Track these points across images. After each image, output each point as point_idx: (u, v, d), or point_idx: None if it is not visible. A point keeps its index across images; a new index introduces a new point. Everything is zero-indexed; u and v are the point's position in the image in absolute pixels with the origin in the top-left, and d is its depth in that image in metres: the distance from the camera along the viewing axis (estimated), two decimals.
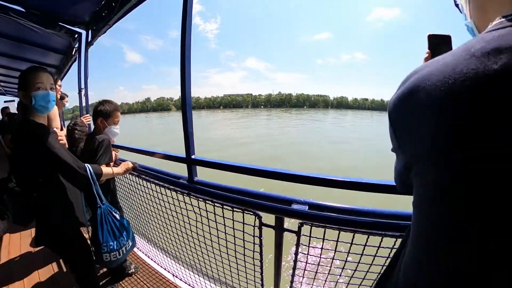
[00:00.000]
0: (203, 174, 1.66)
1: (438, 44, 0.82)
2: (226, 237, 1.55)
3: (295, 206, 1.25)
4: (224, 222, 1.51)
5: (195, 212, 1.65)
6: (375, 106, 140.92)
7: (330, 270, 1.34)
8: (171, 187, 1.78)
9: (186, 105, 1.59)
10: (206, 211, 1.58)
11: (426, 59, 0.74)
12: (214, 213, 1.54)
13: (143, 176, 2.01)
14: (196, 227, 1.74)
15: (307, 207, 1.24)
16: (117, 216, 1.77)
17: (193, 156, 1.68)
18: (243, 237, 1.46)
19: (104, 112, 2.02)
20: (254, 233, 1.40)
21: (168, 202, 1.85)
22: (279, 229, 1.35)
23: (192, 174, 1.69)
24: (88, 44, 3.23)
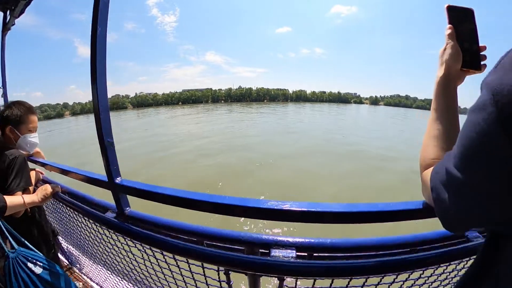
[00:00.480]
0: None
1: (460, 18, 0.79)
2: None
3: (276, 253, 0.89)
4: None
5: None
6: (332, 98, 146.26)
7: None
8: (97, 223, 1.30)
9: (100, 107, 1.03)
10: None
11: (450, 36, 0.76)
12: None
13: (68, 206, 1.47)
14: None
15: (295, 251, 0.89)
16: (36, 269, 1.21)
17: (117, 180, 1.14)
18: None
19: (13, 118, 1.51)
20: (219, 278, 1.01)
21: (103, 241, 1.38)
22: (254, 274, 0.97)
23: (122, 205, 1.17)
24: (5, 28, 2.55)
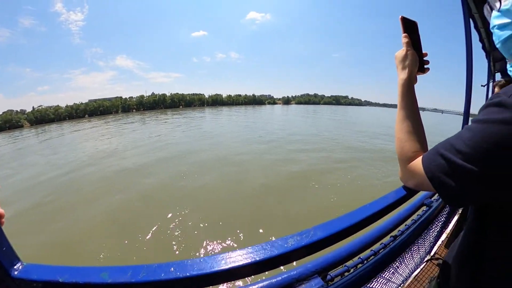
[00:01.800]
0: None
1: (409, 28, 0.95)
2: None
3: None
4: None
5: None
6: (247, 100, 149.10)
7: None
8: None
9: None
10: None
11: (408, 43, 0.95)
12: None
13: None
14: None
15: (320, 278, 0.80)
16: None
17: (15, 272, 0.57)
18: None
19: None
20: None
21: None
22: None
23: None
24: None
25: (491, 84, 5.49)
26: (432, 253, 2.44)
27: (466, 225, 0.78)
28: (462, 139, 0.60)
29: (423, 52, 0.99)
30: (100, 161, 14.55)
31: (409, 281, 2.16)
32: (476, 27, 2.59)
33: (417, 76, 0.98)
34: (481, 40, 3.10)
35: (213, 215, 7.22)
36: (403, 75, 0.94)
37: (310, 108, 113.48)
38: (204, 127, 30.41)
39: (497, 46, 0.71)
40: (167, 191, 9.24)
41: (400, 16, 0.95)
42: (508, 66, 0.80)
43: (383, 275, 1.27)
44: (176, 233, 6.36)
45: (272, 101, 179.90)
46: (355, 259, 1.04)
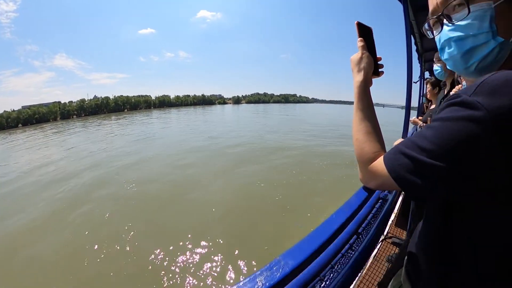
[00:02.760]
0: None
1: (365, 33, 1.02)
2: None
3: None
4: None
5: None
6: (196, 101, 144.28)
7: None
8: None
9: None
10: None
11: (364, 47, 1.00)
12: None
13: None
14: None
15: None
16: None
17: None
18: None
19: None
20: None
21: None
22: None
23: None
24: None
25: (423, 81, 5.95)
26: (385, 233, 2.72)
27: (426, 215, 0.80)
28: (425, 138, 0.60)
29: (378, 56, 1.03)
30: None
31: (370, 261, 2.44)
32: (412, 32, 2.86)
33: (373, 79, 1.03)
34: (415, 43, 3.47)
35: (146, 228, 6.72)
36: (358, 77, 0.98)
37: (260, 107, 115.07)
38: (149, 132, 28.19)
39: (456, 56, 0.71)
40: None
41: (356, 22, 0.99)
42: (434, 66, 1.27)
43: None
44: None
45: (222, 100, 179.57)
46: (327, 268, 1.04)
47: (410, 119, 3.92)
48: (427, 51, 3.87)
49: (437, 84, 3.68)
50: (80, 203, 8.74)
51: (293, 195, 8.89)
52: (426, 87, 3.97)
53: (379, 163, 0.75)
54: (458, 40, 0.67)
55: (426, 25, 0.79)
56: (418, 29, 3.07)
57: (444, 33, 0.70)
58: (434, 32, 0.77)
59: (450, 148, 0.54)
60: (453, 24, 0.67)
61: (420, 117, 4.01)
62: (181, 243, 6.02)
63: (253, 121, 38.92)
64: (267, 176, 10.53)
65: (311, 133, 24.22)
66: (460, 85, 1.84)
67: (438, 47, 0.76)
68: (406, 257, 0.93)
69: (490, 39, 0.63)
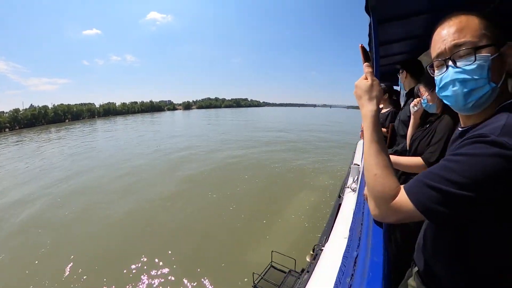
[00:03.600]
0: None
1: (367, 58, 1.03)
2: None
3: None
4: None
5: None
6: (144, 108, 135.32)
7: None
8: None
9: None
10: None
11: (371, 74, 1.01)
12: None
13: None
14: None
15: None
16: None
17: None
18: None
19: None
20: None
21: None
22: None
23: None
24: None
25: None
26: None
27: (438, 227, 0.88)
28: (453, 171, 0.67)
29: None
30: None
31: None
32: (370, 43, 2.55)
33: None
34: (370, 51, 3.16)
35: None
36: (371, 106, 0.96)
37: (212, 112, 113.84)
38: (90, 145, 24.65)
39: (459, 95, 0.81)
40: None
41: (360, 45, 0.99)
42: (423, 99, 1.80)
43: None
44: None
45: (172, 107, 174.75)
46: None
47: (362, 124, 4.03)
48: (382, 58, 3.97)
49: (387, 91, 3.89)
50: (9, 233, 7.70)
51: (247, 204, 8.95)
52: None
53: (403, 198, 0.77)
54: (463, 81, 0.78)
55: (429, 66, 0.92)
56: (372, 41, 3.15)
57: (451, 74, 0.81)
58: (436, 72, 0.88)
59: (480, 180, 0.63)
60: (459, 67, 0.79)
61: None
62: (134, 266, 5.76)
63: (205, 128, 38.06)
64: (220, 188, 10.52)
65: (264, 139, 24.49)
66: (419, 98, 1.95)
67: (439, 85, 0.87)
68: (413, 263, 1.04)
69: (486, 83, 0.76)
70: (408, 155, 2.01)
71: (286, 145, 20.71)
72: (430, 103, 1.83)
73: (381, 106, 5.58)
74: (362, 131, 9.22)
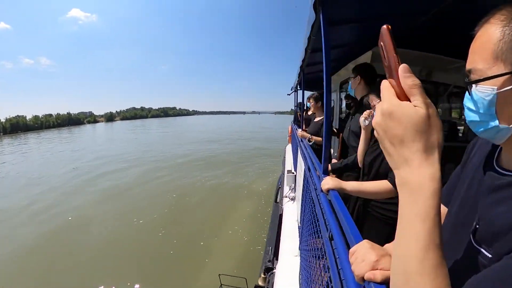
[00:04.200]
0: None
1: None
2: None
3: None
4: None
5: None
6: (61, 121, 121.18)
7: None
8: None
9: None
10: None
11: (422, 92, 0.50)
12: None
13: None
14: None
15: None
16: None
17: None
18: None
19: None
20: None
21: None
22: None
23: None
24: None
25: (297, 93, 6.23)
26: None
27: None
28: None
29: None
30: None
31: None
32: (306, 48, 2.64)
33: None
34: (303, 59, 3.22)
35: None
36: (430, 168, 0.44)
37: (138, 123, 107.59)
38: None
39: (467, 120, 0.65)
40: None
41: (385, 26, 0.48)
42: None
43: None
44: None
45: (92, 119, 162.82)
46: None
47: (298, 132, 4.02)
48: (308, 66, 3.96)
49: (320, 99, 3.90)
50: None
51: (178, 226, 8.19)
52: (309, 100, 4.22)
53: None
54: (468, 109, 0.62)
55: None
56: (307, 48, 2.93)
57: (465, 97, 0.64)
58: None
59: None
60: (469, 93, 0.59)
61: (305, 129, 4.13)
62: None
63: (128, 143, 33.46)
64: (145, 212, 9.39)
65: (189, 153, 22.66)
66: (370, 111, 1.79)
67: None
68: None
69: (489, 120, 0.56)
70: (365, 176, 1.82)
71: (213, 158, 19.73)
72: None
73: (309, 112, 5.65)
74: (290, 135, 9.43)
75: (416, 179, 0.44)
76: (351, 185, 1.48)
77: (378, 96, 1.65)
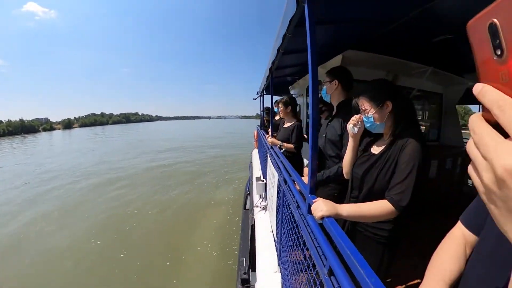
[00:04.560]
0: None
1: None
2: None
3: None
4: None
5: None
6: (12, 129, 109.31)
7: None
8: None
9: None
10: None
11: None
12: None
13: None
14: None
15: None
16: None
17: None
18: None
19: None
20: None
21: None
22: None
23: None
24: None
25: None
26: None
27: None
28: None
29: None
30: None
31: None
32: (279, 48, 2.51)
33: None
34: (274, 61, 3.10)
35: None
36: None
37: (98, 130, 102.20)
38: None
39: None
40: None
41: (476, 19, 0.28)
42: (364, 118, 1.53)
43: None
44: None
45: (48, 126, 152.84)
46: None
47: (268, 139, 3.87)
48: (277, 69, 3.85)
49: (289, 104, 3.77)
50: None
51: (141, 246, 7.45)
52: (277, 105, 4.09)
53: None
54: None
55: None
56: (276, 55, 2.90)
57: None
58: None
59: None
60: None
61: (274, 135, 4.00)
62: None
63: (85, 154, 29.32)
64: (104, 232, 8.48)
65: (148, 163, 21.40)
66: (359, 116, 1.58)
67: None
68: None
69: None
70: (354, 190, 1.66)
71: (174, 167, 18.62)
72: (378, 122, 1.50)
73: (277, 117, 5.56)
74: (256, 140, 9.24)
75: None
76: (347, 210, 1.29)
77: (372, 100, 1.50)
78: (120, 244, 7.51)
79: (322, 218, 1.18)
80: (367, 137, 1.70)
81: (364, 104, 1.52)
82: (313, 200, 1.29)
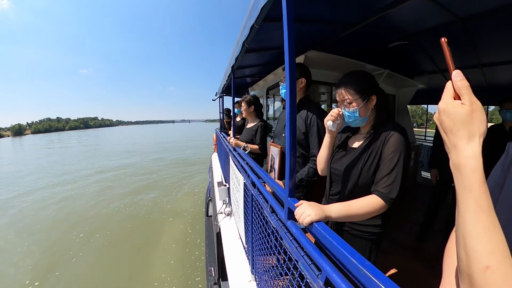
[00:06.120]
0: None
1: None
2: None
3: None
4: None
5: None
6: None
7: None
8: None
9: None
10: None
11: (469, 91, 0.60)
12: None
13: None
14: None
15: None
16: None
17: None
18: None
19: None
20: None
21: None
22: None
23: None
24: None
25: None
26: None
27: None
28: None
29: None
30: None
31: None
32: (244, 42, 2.40)
33: None
34: (237, 57, 2.95)
35: None
36: (470, 149, 0.53)
37: (53, 137, 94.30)
38: None
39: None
40: None
41: (443, 39, 0.57)
42: (345, 112, 1.44)
43: None
44: None
45: None
46: None
47: (231, 141, 3.73)
48: (238, 69, 3.76)
49: (252, 103, 3.64)
50: None
51: (91, 270, 6.44)
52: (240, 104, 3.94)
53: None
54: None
55: None
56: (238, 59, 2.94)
57: None
58: None
59: None
60: None
61: (237, 136, 3.88)
62: None
63: (36, 162, 26.97)
64: (47, 255, 7.29)
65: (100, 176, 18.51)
66: (338, 110, 1.48)
67: None
68: None
69: None
70: (333, 183, 1.58)
71: (133, 177, 16.84)
72: (362, 117, 1.43)
73: (238, 119, 5.46)
74: (215, 144, 9.03)
75: (460, 159, 0.53)
76: (336, 211, 1.17)
77: (358, 93, 1.42)
78: (63, 276, 6.15)
79: (311, 223, 1.04)
80: (341, 132, 1.67)
81: (348, 96, 1.43)
82: (296, 204, 1.15)
